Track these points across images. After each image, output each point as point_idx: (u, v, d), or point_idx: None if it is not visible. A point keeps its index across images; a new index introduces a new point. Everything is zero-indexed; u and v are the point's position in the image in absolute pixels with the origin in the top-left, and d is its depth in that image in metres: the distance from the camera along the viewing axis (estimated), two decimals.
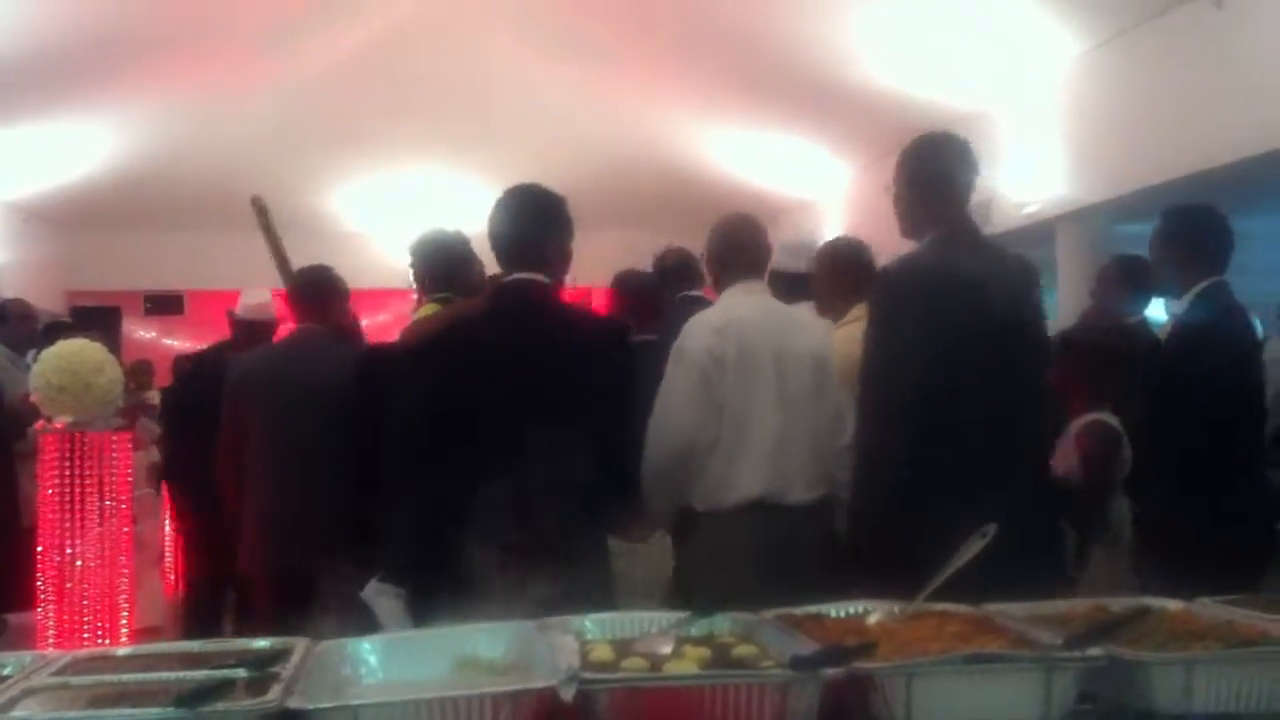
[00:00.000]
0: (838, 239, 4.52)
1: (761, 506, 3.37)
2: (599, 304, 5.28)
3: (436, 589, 2.76)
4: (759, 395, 3.42)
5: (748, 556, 3.30)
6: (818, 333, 3.75)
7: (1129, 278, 5.10)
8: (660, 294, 4.76)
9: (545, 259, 3.20)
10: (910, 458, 3.00)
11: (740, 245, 3.67)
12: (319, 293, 4.68)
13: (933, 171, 3.29)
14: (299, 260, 5.11)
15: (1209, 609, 2.17)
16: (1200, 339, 3.74)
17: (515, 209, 3.22)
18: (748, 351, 3.42)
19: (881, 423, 3.11)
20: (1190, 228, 3.88)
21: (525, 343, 3.08)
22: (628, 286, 4.79)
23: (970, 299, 3.07)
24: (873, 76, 9.15)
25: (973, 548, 2.25)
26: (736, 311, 3.53)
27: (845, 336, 3.82)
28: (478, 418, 3.01)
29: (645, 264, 5.09)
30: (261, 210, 5.29)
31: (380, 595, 3.08)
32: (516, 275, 3.19)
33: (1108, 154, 7.81)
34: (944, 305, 3.06)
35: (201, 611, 5.49)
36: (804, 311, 3.95)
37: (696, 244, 4.07)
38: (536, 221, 3.22)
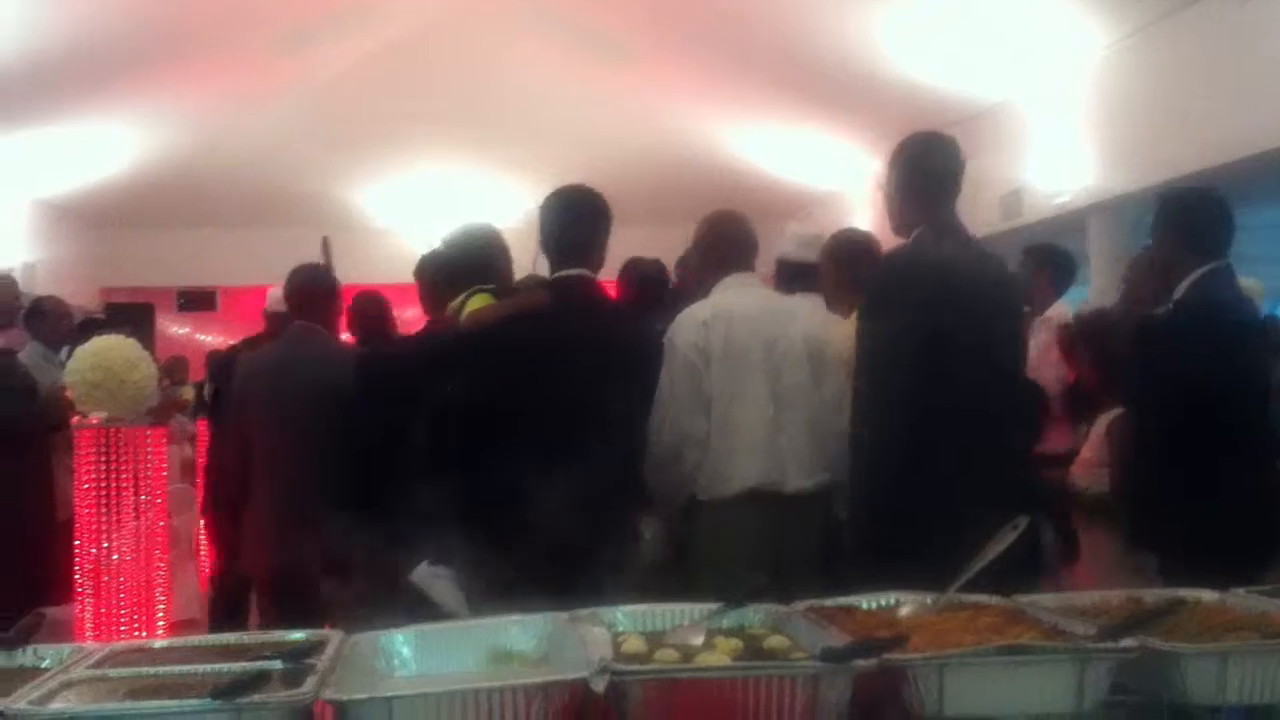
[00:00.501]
0: (847, 230, 4.51)
1: (759, 495, 3.46)
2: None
3: (489, 570, 2.90)
4: (749, 386, 3.52)
5: (748, 543, 3.42)
6: (813, 320, 3.78)
7: None
8: (665, 283, 4.75)
9: (592, 255, 3.41)
10: (903, 446, 3.10)
11: (730, 239, 3.78)
12: (315, 292, 4.70)
13: (920, 170, 3.43)
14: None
15: (1243, 600, 2.16)
16: (1196, 325, 3.64)
17: (568, 208, 3.43)
18: (735, 343, 3.52)
19: (875, 412, 3.21)
20: (1188, 213, 3.79)
21: (584, 335, 3.23)
22: (635, 275, 4.78)
23: (955, 292, 3.20)
24: (901, 68, 9.11)
25: (1005, 539, 2.25)
26: (725, 304, 3.61)
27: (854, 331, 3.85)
28: (537, 406, 3.14)
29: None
30: (326, 248, 5.37)
31: (434, 578, 3.15)
32: (570, 271, 3.37)
33: (1138, 144, 7.75)
34: (930, 297, 3.18)
35: (232, 605, 5.53)
36: (804, 301, 3.96)
37: None
38: (588, 220, 3.42)
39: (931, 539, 2.83)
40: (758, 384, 3.52)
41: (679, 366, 3.50)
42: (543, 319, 3.36)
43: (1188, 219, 3.77)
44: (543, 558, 2.94)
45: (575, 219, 3.40)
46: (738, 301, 3.62)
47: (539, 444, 3.08)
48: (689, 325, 3.56)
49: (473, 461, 3.19)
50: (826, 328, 3.78)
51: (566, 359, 3.18)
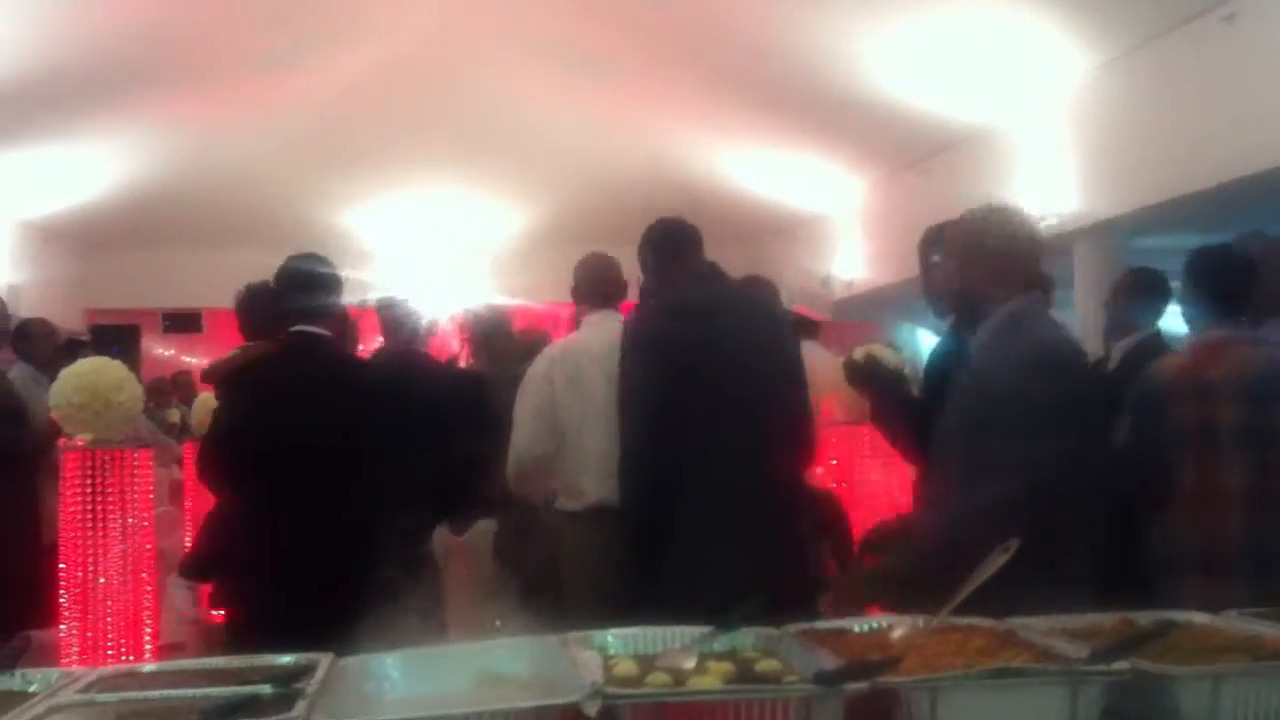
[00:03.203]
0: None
1: (603, 511, 3.90)
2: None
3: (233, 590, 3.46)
4: (591, 414, 3.97)
5: (596, 554, 3.89)
6: None
7: (1143, 291, 5.09)
8: (504, 331, 5.33)
9: (329, 315, 3.92)
10: (659, 471, 3.52)
11: (595, 281, 4.29)
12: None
13: (657, 254, 3.90)
14: None
15: (1236, 622, 2.16)
16: (998, 358, 3.58)
17: (305, 273, 3.90)
18: (580, 376, 4.02)
19: (634, 441, 3.63)
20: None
21: (310, 385, 3.73)
22: (471, 325, 5.36)
23: (700, 333, 3.60)
24: (887, 92, 9.17)
25: (996, 562, 2.24)
26: (577, 340, 4.20)
27: None
28: (270, 450, 3.60)
29: None
30: None
31: (176, 588, 3.73)
32: (302, 328, 3.82)
33: (1123, 168, 7.81)
34: (674, 337, 3.62)
35: None
36: None
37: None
38: (318, 286, 3.90)
39: (678, 553, 3.42)
40: (601, 411, 3.92)
41: (530, 395, 4.06)
42: (270, 371, 3.88)
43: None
44: (272, 590, 3.41)
45: (306, 286, 3.88)
46: (589, 337, 4.13)
47: (269, 484, 3.57)
48: (544, 360, 4.14)
49: (223, 496, 3.73)
50: None
51: (294, 405, 3.67)
